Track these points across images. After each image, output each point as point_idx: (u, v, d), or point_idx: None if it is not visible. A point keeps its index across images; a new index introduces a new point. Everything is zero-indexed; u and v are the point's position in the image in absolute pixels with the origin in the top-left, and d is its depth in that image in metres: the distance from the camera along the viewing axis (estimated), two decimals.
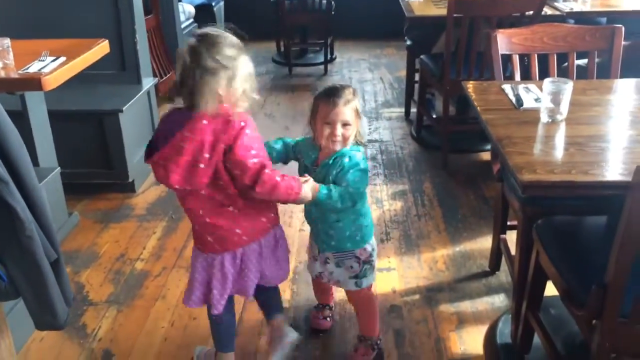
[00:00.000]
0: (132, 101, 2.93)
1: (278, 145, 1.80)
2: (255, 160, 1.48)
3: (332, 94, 1.65)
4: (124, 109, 2.83)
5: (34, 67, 2.08)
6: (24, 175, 1.49)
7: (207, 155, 1.45)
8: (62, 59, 2.17)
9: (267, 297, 1.85)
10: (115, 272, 2.39)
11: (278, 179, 1.50)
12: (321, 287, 2.03)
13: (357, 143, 1.70)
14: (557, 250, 1.53)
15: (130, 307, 2.19)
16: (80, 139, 2.88)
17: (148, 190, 3.04)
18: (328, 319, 2.06)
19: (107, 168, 2.93)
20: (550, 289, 1.62)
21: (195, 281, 1.67)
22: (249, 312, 2.13)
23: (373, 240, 1.81)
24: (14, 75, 2.07)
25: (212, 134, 1.44)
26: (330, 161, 1.66)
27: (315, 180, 1.63)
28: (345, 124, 1.64)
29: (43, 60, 2.14)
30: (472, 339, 2.00)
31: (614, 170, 1.32)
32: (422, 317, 2.11)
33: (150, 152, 1.52)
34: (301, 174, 1.71)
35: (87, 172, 2.94)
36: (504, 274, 2.32)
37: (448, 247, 2.52)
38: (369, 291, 1.86)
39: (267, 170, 1.49)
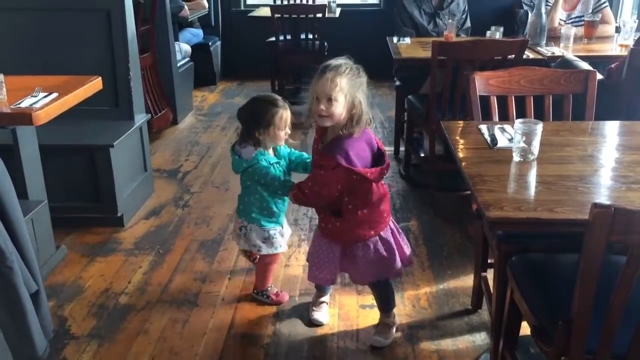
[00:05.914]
0: (123, 136, 2.98)
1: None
2: None
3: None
4: (114, 144, 2.88)
5: (25, 103, 2.15)
6: (7, 206, 1.53)
7: None
8: (54, 94, 2.23)
9: None
10: (99, 306, 2.40)
11: None
12: None
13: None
14: (528, 286, 1.55)
15: (111, 341, 2.19)
16: (70, 173, 2.92)
17: (137, 225, 3.06)
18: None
19: (96, 202, 2.96)
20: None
21: None
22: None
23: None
24: (5, 110, 2.13)
25: None
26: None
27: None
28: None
29: (35, 96, 2.20)
30: None
31: (578, 208, 1.36)
32: (403, 355, 2.11)
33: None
34: None
35: (77, 206, 2.97)
36: (485, 312, 2.33)
37: (432, 285, 2.54)
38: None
39: None
